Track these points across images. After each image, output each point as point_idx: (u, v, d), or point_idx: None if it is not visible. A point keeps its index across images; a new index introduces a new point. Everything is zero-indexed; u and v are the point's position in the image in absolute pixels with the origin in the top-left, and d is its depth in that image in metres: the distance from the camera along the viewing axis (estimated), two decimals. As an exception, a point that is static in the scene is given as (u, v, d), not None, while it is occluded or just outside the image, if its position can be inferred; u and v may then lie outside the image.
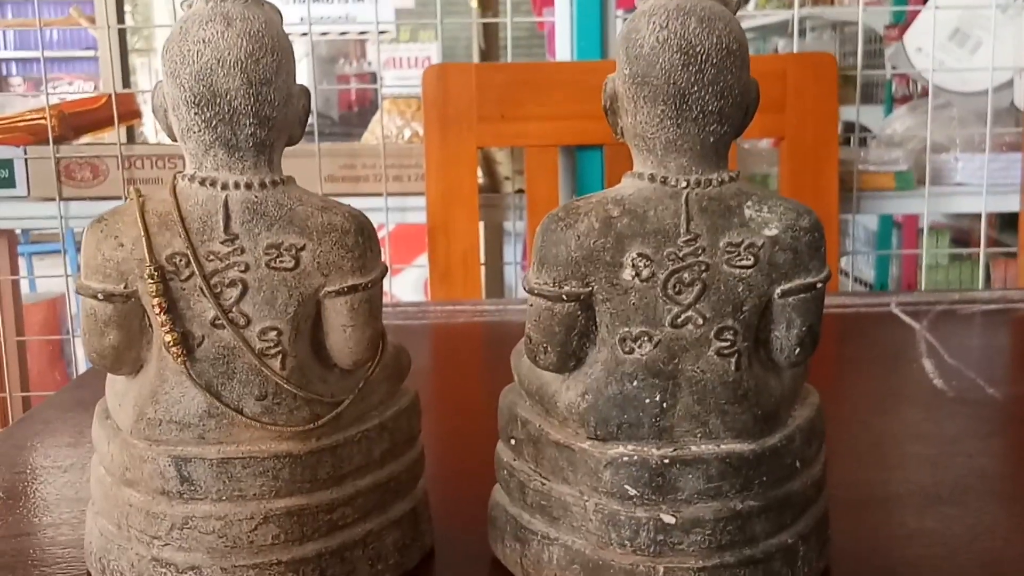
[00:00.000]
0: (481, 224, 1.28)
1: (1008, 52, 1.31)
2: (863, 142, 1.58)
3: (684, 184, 0.40)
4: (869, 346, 0.93)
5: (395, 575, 0.46)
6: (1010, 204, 1.28)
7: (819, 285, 0.41)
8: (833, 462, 0.62)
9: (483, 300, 1.12)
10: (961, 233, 2.43)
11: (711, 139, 0.40)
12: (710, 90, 0.39)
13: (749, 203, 0.41)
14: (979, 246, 1.31)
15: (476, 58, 2.79)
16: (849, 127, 1.95)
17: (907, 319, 0.98)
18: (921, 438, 0.66)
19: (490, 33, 2.85)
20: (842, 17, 2.96)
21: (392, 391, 0.47)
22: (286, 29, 0.42)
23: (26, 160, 1.29)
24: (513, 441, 0.46)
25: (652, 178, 0.41)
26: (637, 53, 0.40)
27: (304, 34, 1.30)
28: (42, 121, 1.30)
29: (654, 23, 0.39)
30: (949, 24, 1.33)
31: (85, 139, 1.52)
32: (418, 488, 0.49)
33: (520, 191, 1.32)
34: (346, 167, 1.28)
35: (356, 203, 1.27)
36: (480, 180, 1.31)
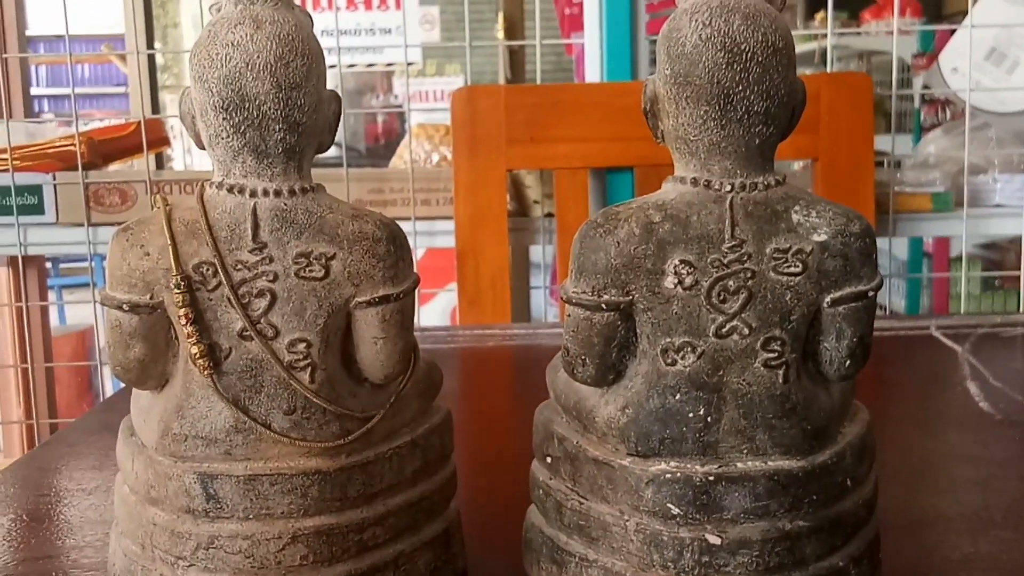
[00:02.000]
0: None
1: (1046, 72, 1.29)
2: (897, 165, 1.56)
3: (728, 188, 0.39)
4: (911, 369, 0.91)
5: (427, 598, 0.45)
6: (1051, 226, 1.26)
7: (871, 293, 0.39)
8: (881, 484, 0.60)
9: (513, 324, 1.10)
10: (992, 263, 2.39)
11: (756, 141, 0.39)
12: (755, 90, 0.38)
13: (797, 208, 0.39)
14: (1012, 274, 1.28)
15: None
16: (879, 155, 1.93)
17: (948, 342, 0.96)
18: (970, 461, 0.64)
19: (516, 64, 2.85)
20: (869, 46, 2.94)
21: (424, 408, 0.46)
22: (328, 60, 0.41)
23: (55, 186, 1.29)
24: (549, 459, 0.44)
25: (695, 182, 0.39)
26: (679, 52, 0.38)
27: (332, 67, 1.29)
28: (71, 147, 1.31)
29: (696, 21, 0.38)
30: (985, 44, 1.31)
31: (114, 166, 1.53)
32: (451, 509, 0.47)
33: (550, 215, 1.31)
34: (374, 191, 1.28)
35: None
36: (509, 206, 1.30)
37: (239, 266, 0.39)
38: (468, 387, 0.91)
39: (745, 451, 0.39)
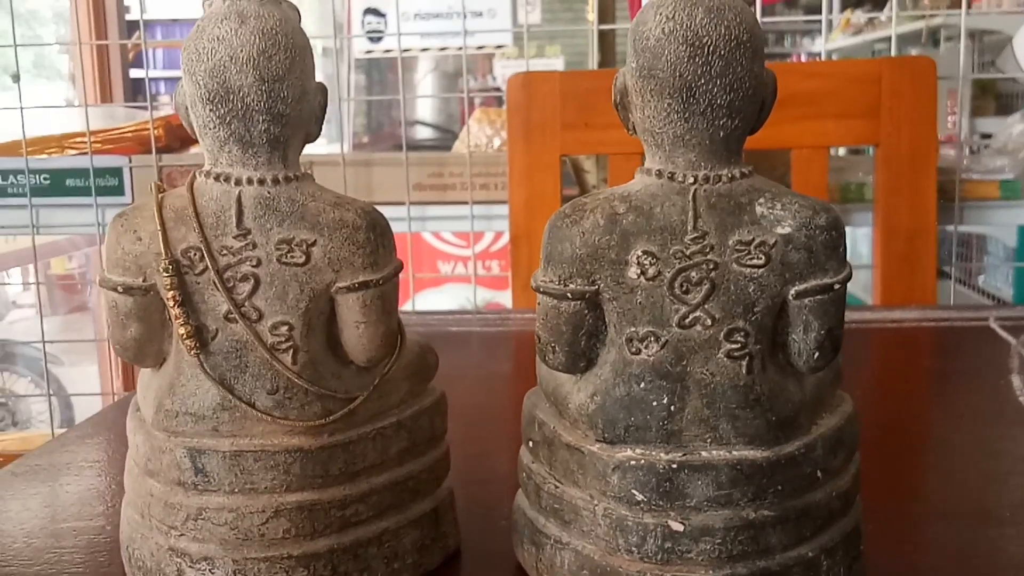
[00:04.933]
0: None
1: None
2: (977, 151, 1.51)
3: (692, 180, 0.39)
4: (961, 360, 0.89)
5: (414, 574, 0.46)
6: None
7: (837, 286, 0.39)
8: (897, 477, 0.59)
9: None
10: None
11: (720, 133, 0.39)
12: (718, 83, 0.38)
13: (762, 200, 0.39)
14: None
15: (594, 68, 2.79)
16: (985, 137, 1.87)
17: (1004, 334, 0.93)
18: (994, 455, 0.63)
19: (606, 44, 2.84)
20: (979, 25, 2.84)
21: (415, 390, 0.47)
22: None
23: (131, 168, 1.34)
24: (531, 443, 0.45)
25: (660, 174, 0.40)
26: (644, 45, 0.39)
27: (424, 49, 1.31)
28: (148, 131, 1.36)
29: (661, 14, 0.38)
30: (1063, 26, 1.26)
31: (194, 149, 1.58)
32: (442, 488, 0.48)
33: (609, 200, 1.31)
34: (434, 175, 1.30)
35: (442, 211, 1.27)
36: (571, 189, 1.30)
37: (224, 251, 0.41)
38: (518, 371, 0.92)
39: (709, 440, 0.40)
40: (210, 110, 0.41)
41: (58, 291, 3.49)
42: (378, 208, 0.44)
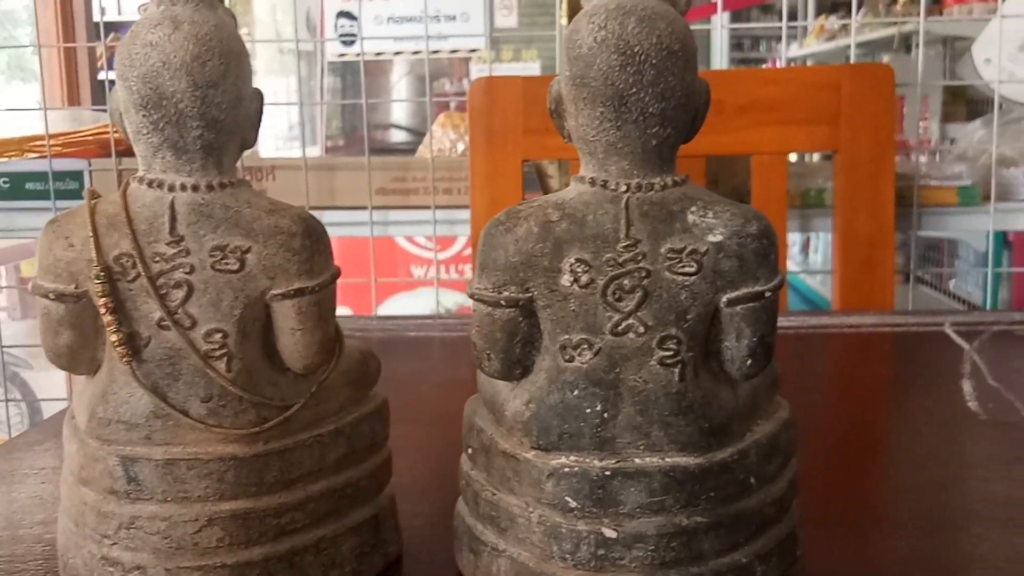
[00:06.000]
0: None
1: (1084, 63, 1.25)
2: (936, 156, 1.53)
3: (624, 188, 0.39)
4: (915, 366, 0.90)
5: (353, 582, 0.46)
6: (1083, 222, 1.22)
7: (768, 294, 0.39)
8: (842, 482, 0.60)
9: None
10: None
11: (653, 142, 0.39)
12: (650, 91, 0.38)
13: (694, 208, 0.39)
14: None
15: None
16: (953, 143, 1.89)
17: (958, 339, 0.94)
18: (942, 462, 0.63)
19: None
20: (950, 32, 2.86)
21: (355, 397, 0.47)
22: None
23: (91, 172, 1.33)
24: (470, 450, 0.45)
25: (593, 182, 0.40)
26: (577, 54, 0.39)
27: (398, 53, 1.31)
28: (109, 135, 1.35)
29: (593, 23, 0.38)
30: (1019, 34, 1.28)
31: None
32: (383, 495, 0.48)
33: (572, 205, 1.31)
34: (397, 180, 1.29)
35: (405, 215, 1.27)
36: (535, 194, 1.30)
37: (157, 258, 0.41)
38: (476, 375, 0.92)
39: (642, 447, 0.40)
40: (143, 116, 0.41)
41: (29, 295, 3.46)
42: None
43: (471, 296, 0.41)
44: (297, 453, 0.44)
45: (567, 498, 0.40)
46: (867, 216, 1.15)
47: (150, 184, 0.42)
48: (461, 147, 1.42)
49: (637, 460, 0.40)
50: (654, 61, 0.38)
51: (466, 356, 0.96)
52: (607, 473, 0.40)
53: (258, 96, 0.43)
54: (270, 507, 0.43)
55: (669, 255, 0.39)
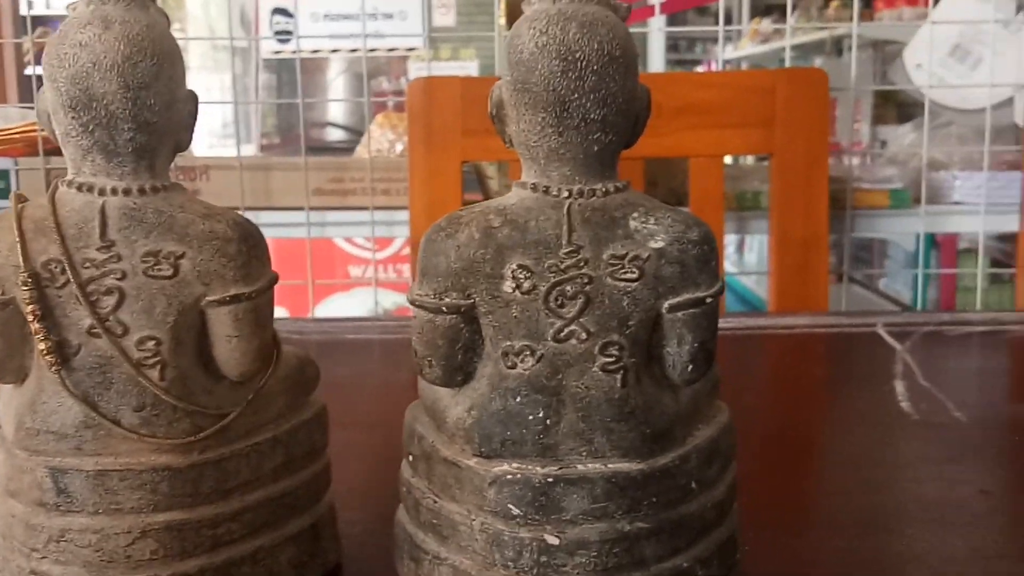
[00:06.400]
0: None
1: (1010, 69, 1.28)
2: (867, 159, 1.56)
3: (566, 194, 0.39)
4: (847, 367, 0.91)
5: (291, 592, 0.45)
6: (1008, 224, 1.25)
7: (709, 300, 0.39)
8: (776, 484, 0.60)
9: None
10: (1005, 255, 2.38)
11: (595, 148, 0.39)
12: (591, 97, 0.38)
13: (635, 214, 0.39)
14: (1013, 267, 1.28)
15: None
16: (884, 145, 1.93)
17: (890, 340, 0.96)
18: (876, 463, 0.64)
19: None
20: (881, 35, 2.92)
21: (293, 404, 0.46)
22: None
23: (17, 171, 1.30)
24: (411, 457, 0.44)
25: (535, 187, 0.39)
26: (518, 59, 0.39)
27: (334, 51, 1.29)
28: (36, 133, 1.31)
29: (534, 28, 0.38)
30: (949, 40, 1.31)
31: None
32: (321, 503, 0.47)
33: (511, 206, 1.31)
34: (335, 180, 1.28)
35: (343, 216, 1.25)
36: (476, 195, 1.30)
37: (87, 264, 0.40)
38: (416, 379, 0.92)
39: (584, 453, 0.40)
40: (72, 118, 0.40)
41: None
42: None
43: (411, 303, 0.41)
44: (233, 463, 0.43)
45: (509, 505, 0.40)
46: (802, 218, 1.16)
47: (79, 188, 0.40)
48: (400, 147, 1.41)
49: (580, 467, 0.40)
50: (595, 67, 0.38)
51: (406, 360, 0.96)
52: (550, 480, 0.39)
53: (192, 98, 0.42)
54: (205, 518, 0.42)
55: (611, 261, 0.39)
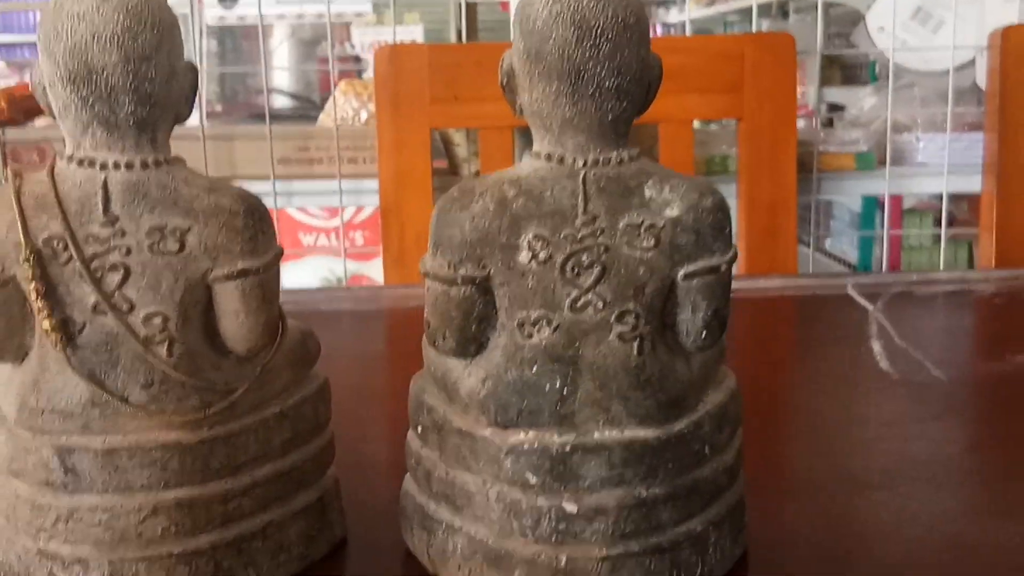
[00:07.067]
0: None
1: (971, 31, 1.30)
2: (831, 123, 1.57)
3: (581, 163, 0.39)
4: (821, 328, 0.92)
5: (300, 566, 0.45)
6: (972, 185, 1.27)
7: (723, 267, 0.40)
8: (766, 447, 0.61)
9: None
10: (951, 214, 2.41)
11: (609, 116, 0.39)
12: (606, 66, 0.38)
13: (650, 183, 0.39)
14: (962, 226, 1.30)
15: (454, 41, 2.76)
16: (834, 108, 1.94)
17: (862, 301, 0.97)
18: (859, 422, 0.65)
19: (471, 17, 2.83)
20: (827, -2, 2.93)
21: (297, 378, 0.46)
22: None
23: (-28, 143, 1.27)
24: (420, 428, 0.44)
25: (549, 157, 0.39)
26: (530, 28, 0.38)
27: (281, 16, 1.27)
28: (-10, 103, 1.28)
29: (547, -3, 0.38)
30: (912, 3, 1.32)
31: (39, 123, 1.49)
32: (326, 477, 0.47)
33: (479, 173, 1.30)
34: (300, 149, 1.26)
35: (310, 186, 1.24)
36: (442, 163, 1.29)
37: (90, 240, 0.39)
38: (391, 350, 0.91)
39: (601, 421, 0.40)
40: (71, 91, 0.39)
41: None
42: (242, 183, 0.42)
43: (425, 275, 0.40)
44: (243, 438, 0.42)
45: (527, 474, 0.40)
46: (770, 183, 1.17)
47: (80, 163, 0.39)
48: (364, 115, 1.40)
49: (596, 435, 0.40)
50: (610, 35, 0.37)
51: (381, 329, 0.95)
52: (567, 449, 0.39)
53: (192, 69, 0.41)
54: (216, 494, 0.42)
55: (627, 230, 0.39)
